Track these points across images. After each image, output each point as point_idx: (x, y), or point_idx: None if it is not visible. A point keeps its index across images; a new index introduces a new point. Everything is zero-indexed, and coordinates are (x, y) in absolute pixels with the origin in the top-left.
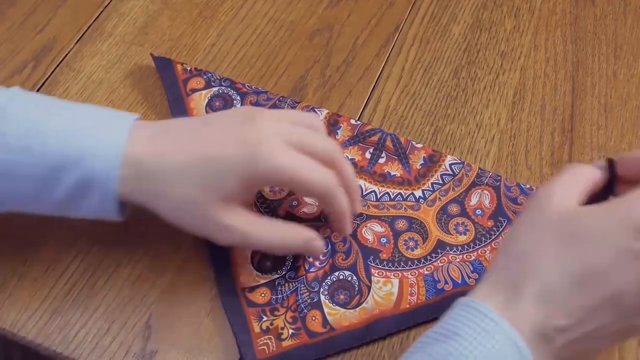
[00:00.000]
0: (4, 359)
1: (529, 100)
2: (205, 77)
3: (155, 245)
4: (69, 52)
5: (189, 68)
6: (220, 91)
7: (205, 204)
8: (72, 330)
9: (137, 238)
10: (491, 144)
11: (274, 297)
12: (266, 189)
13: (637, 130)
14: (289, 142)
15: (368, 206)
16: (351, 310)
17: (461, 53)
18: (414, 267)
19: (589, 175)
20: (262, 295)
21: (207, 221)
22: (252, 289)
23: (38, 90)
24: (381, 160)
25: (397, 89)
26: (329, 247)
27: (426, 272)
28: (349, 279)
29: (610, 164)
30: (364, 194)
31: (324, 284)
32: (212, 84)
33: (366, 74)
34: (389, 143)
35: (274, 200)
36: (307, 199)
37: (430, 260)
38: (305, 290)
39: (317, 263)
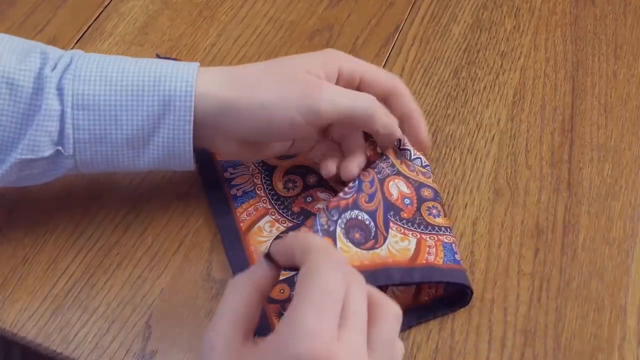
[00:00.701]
0: (4, 359)
1: (529, 100)
2: None
3: (155, 245)
4: None
5: None
6: None
7: (302, 75)
8: (72, 330)
9: (137, 238)
10: (491, 144)
11: (292, 293)
12: (280, 186)
13: (637, 130)
14: None
15: (401, 161)
16: (364, 252)
17: (461, 53)
18: (434, 232)
19: (250, 283)
20: (281, 291)
21: (304, 91)
22: None
23: None
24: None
25: None
26: (357, 183)
27: (446, 241)
28: (367, 222)
29: (269, 258)
30: (401, 146)
31: (342, 216)
32: None
33: None
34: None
35: (288, 197)
36: (321, 194)
37: (451, 232)
38: (324, 217)
39: (341, 194)
